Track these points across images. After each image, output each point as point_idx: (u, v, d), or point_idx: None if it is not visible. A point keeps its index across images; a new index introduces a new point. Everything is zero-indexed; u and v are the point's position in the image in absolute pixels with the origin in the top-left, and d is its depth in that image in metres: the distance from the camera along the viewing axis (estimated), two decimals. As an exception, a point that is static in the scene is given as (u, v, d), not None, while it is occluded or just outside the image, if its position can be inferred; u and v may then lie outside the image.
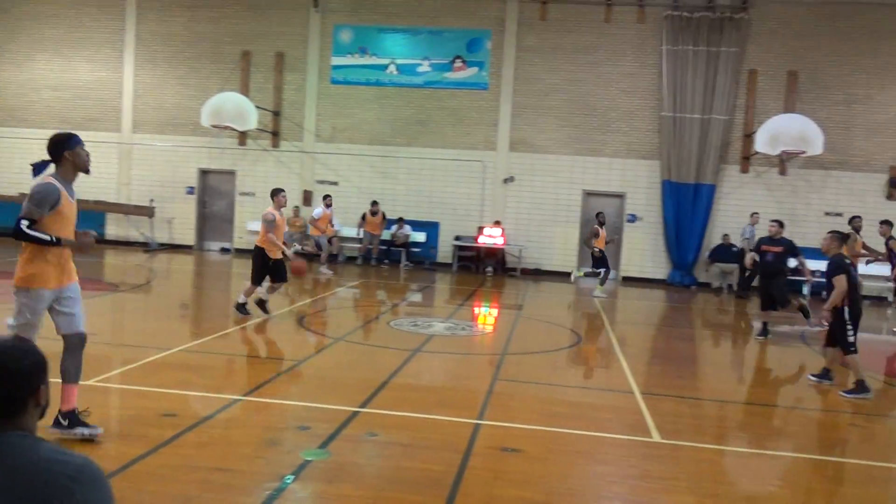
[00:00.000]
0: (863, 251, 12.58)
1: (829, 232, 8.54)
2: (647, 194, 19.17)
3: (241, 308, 10.25)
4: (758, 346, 10.99)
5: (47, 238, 4.72)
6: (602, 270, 15.49)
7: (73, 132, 5.00)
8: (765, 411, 7.55)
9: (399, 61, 20.05)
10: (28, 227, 4.65)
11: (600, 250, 15.50)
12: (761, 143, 17.42)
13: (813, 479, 5.43)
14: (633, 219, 19.32)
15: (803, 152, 17.20)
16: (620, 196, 19.43)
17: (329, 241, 17.68)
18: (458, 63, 19.81)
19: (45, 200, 4.69)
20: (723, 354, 11.18)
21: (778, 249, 11.10)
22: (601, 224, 15.70)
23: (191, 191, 21.06)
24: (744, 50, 18.50)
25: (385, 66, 20.10)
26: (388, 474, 4.87)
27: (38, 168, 4.99)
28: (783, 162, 18.03)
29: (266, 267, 10.32)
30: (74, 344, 5.01)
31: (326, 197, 17.71)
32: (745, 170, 18.73)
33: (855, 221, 12.34)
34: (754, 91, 18.58)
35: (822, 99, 18.36)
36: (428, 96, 19.94)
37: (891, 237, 12.49)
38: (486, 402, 6.68)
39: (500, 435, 5.75)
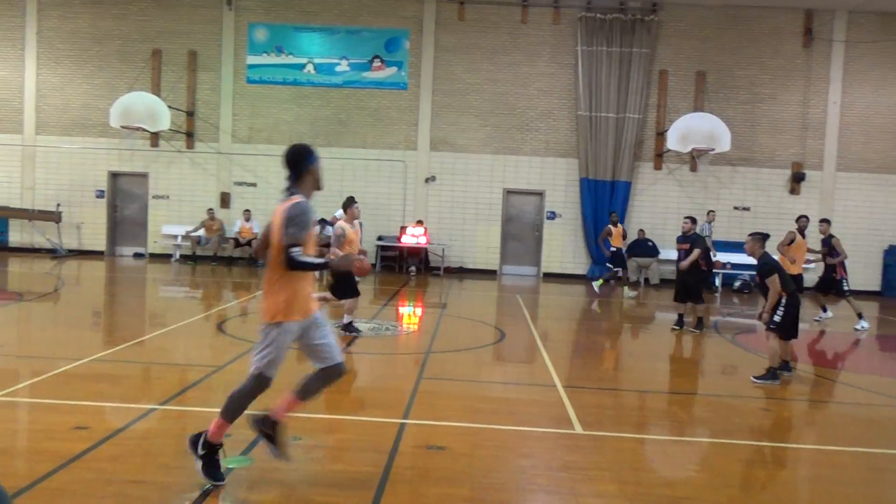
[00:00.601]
0: (809, 250, 12.75)
1: (751, 234, 8.60)
2: (566, 192, 19.55)
3: (350, 327, 9.74)
4: (674, 337, 11.35)
5: (322, 262, 4.40)
6: (619, 270, 16.18)
7: (309, 145, 4.58)
8: (683, 399, 7.80)
9: (317, 60, 19.81)
10: (299, 254, 4.25)
11: (617, 248, 16.32)
12: (673, 140, 18.02)
13: (728, 462, 5.63)
14: (552, 216, 19.67)
15: (712, 149, 17.89)
16: (540, 194, 19.74)
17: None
18: (377, 63, 19.72)
19: (307, 222, 4.32)
20: (642, 346, 11.49)
21: (686, 247, 11.49)
22: (614, 223, 16.41)
23: (100, 194, 20.26)
24: (654, 51, 19.09)
25: (302, 66, 19.83)
26: (313, 478, 4.79)
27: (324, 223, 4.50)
28: (694, 159, 18.73)
29: (348, 279, 9.55)
30: (335, 375, 4.61)
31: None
32: (658, 167, 19.34)
33: (801, 221, 12.50)
34: (665, 90, 19.19)
35: (729, 98, 19.13)
36: (347, 96, 19.78)
37: (830, 235, 12.99)
38: (412, 401, 6.66)
39: (425, 433, 5.75)
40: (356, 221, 9.54)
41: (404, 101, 19.69)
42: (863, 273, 19.10)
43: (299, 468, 4.92)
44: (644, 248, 18.65)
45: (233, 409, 4.49)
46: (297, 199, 4.40)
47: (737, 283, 18.50)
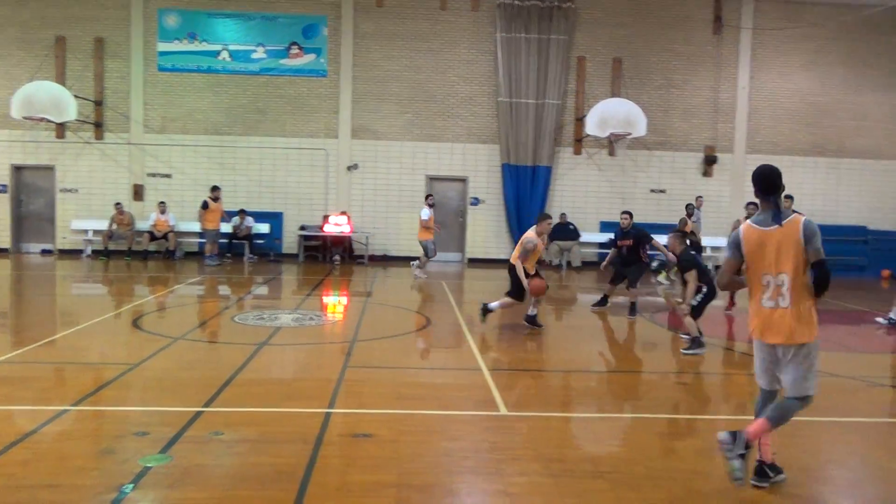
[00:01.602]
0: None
1: (672, 233, 9.54)
2: (489, 177, 19.70)
3: (532, 320, 10.13)
4: (596, 318, 11.60)
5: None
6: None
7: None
8: (605, 377, 7.98)
9: (232, 47, 19.30)
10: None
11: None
12: (591, 126, 18.38)
13: (648, 436, 5.80)
14: (475, 202, 19.80)
15: (629, 134, 18.34)
16: (463, 180, 19.83)
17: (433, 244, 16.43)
18: (295, 49, 19.36)
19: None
20: (565, 327, 11.70)
21: (628, 243, 11.56)
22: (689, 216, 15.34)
23: (3, 189, 19.26)
24: (572, 38, 19.38)
25: (217, 53, 19.29)
26: (236, 473, 4.69)
27: None
28: (612, 143, 19.14)
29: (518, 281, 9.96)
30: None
31: (429, 197, 16.90)
32: (577, 152, 19.69)
33: (749, 208, 12.81)
34: (583, 77, 19.53)
35: (644, 84, 19.61)
36: (265, 84, 19.36)
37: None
38: (337, 390, 6.60)
39: (351, 422, 5.70)
40: (544, 236, 10.19)
41: (324, 88, 19.41)
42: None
43: (220, 463, 4.81)
44: (566, 231, 18.98)
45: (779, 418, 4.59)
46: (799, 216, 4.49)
47: (654, 264, 18.98)
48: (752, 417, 4.82)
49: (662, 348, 9.61)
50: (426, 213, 16.14)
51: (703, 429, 6.14)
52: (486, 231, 19.88)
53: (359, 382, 6.96)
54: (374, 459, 4.89)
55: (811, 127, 20.03)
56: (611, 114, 18.32)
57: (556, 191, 19.70)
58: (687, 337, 9.05)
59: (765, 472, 4.63)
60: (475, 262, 19.61)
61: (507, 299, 10.24)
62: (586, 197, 19.68)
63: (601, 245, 19.54)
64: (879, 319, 11.51)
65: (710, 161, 19.71)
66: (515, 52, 19.16)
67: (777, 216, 4.46)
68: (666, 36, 19.63)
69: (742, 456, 4.38)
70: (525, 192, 19.22)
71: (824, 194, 20.05)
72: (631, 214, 11.92)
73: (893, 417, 6.81)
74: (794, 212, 4.74)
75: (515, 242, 19.36)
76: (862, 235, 19.50)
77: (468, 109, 19.62)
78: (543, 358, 8.93)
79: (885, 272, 16.25)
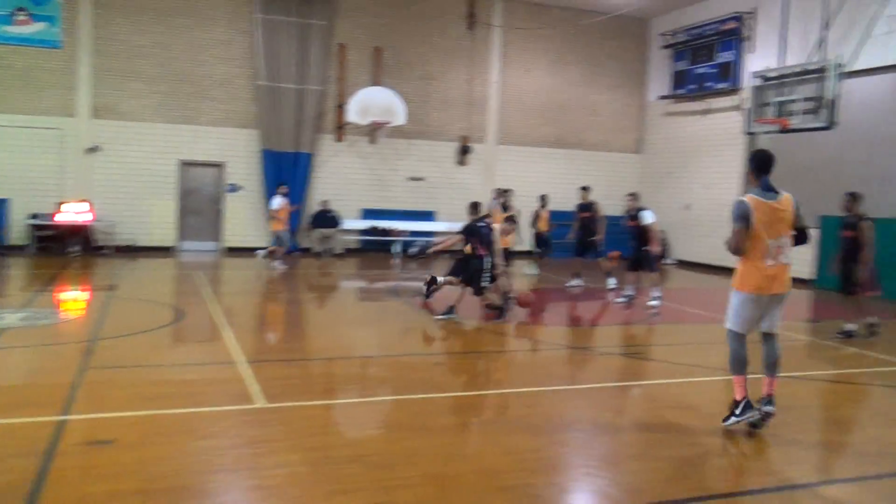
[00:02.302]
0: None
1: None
2: (247, 163, 19.01)
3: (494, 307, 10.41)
4: (360, 306, 11.68)
5: None
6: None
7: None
8: (366, 362, 8.05)
9: (-60, 8, 16.70)
10: None
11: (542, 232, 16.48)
12: (353, 113, 18.45)
13: (407, 416, 5.94)
14: (233, 189, 19.02)
15: (389, 123, 18.67)
16: (219, 166, 18.95)
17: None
18: (22, 16, 17.22)
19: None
20: (327, 314, 11.66)
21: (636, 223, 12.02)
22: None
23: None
24: (333, 24, 19.26)
25: (-79, 13, 16.59)
26: (-57, 497, 4.07)
27: None
28: (373, 131, 19.35)
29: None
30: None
31: (281, 185, 16.24)
32: (339, 139, 19.66)
33: (496, 193, 13.56)
34: (345, 64, 19.51)
35: (405, 74, 20.05)
36: (-16, 52, 17.02)
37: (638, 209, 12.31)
38: (73, 394, 5.99)
39: (89, 428, 5.21)
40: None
41: (58, 61, 17.47)
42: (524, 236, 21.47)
43: (-76, 488, 4.15)
44: (327, 219, 18.91)
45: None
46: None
47: (413, 249, 19.60)
48: (497, 392, 5.09)
49: (421, 331, 9.92)
50: (277, 201, 15.93)
51: (461, 405, 6.42)
52: (244, 219, 19.17)
53: (100, 384, 6.37)
54: (116, 467, 4.50)
55: (553, 121, 21.77)
56: (372, 102, 18.53)
57: (318, 178, 19.53)
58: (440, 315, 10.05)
59: (771, 401, 5.70)
60: (233, 251, 18.84)
61: (453, 278, 10.79)
62: (348, 184, 19.74)
63: (362, 232, 19.75)
64: (620, 299, 12.53)
65: (464, 151, 20.68)
66: (275, 35, 18.64)
67: (774, 190, 5.50)
68: (424, 28, 20.21)
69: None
70: (286, 179, 18.80)
71: (564, 182, 21.88)
72: (636, 196, 12.22)
73: (618, 382, 7.61)
74: (774, 189, 5.56)
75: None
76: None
77: (225, 92, 18.76)
78: (305, 346, 8.83)
79: (614, 254, 18.14)
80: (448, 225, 20.53)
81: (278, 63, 18.69)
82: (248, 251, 18.37)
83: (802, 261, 16.46)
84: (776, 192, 5.49)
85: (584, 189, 15.12)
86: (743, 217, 5.39)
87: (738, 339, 5.68)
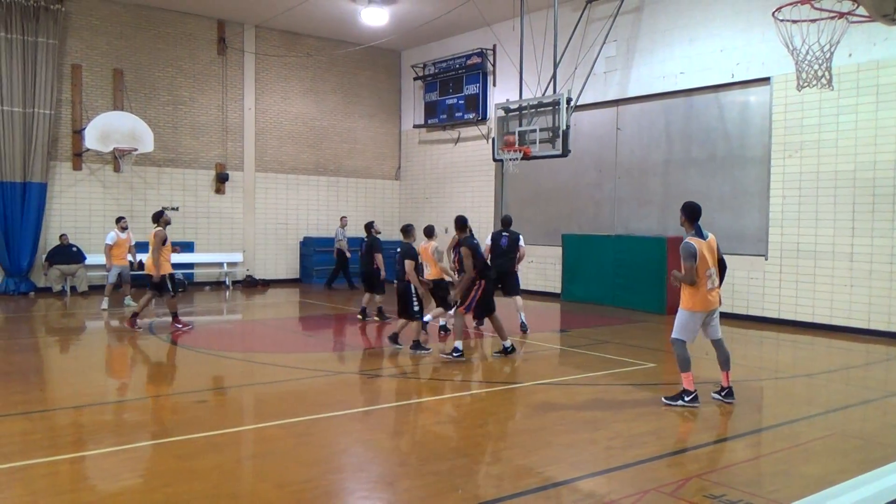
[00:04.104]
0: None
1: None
2: (-34, 196, 16.72)
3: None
4: (112, 347, 10.71)
5: None
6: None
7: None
8: (120, 407, 7.39)
9: None
10: None
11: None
12: (92, 139, 17.04)
13: (166, 460, 5.55)
14: (-51, 225, 16.62)
15: (135, 150, 17.49)
16: (-70, 199, 16.46)
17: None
18: None
19: None
20: (73, 359, 10.55)
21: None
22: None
23: None
24: (64, 43, 17.66)
25: None
26: None
27: None
28: (116, 159, 17.96)
29: None
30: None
31: (121, 219, 14.71)
32: (77, 167, 17.99)
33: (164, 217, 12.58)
34: (80, 86, 17.94)
35: (151, 99, 18.89)
36: None
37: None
38: None
39: None
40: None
41: None
42: (284, 263, 21.16)
43: None
44: (69, 254, 17.19)
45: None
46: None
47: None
48: (265, 424, 4.92)
49: (183, 368, 9.35)
50: (112, 236, 14.48)
51: (227, 443, 6.13)
52: (-35, 258, 16.82)
53: None
54: None
55: (313, 148, 21.75)
56: (114, 127, 17.24)
57: (54, 210, 17.69)
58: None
59: (731, 393, 7.46)
60: (-48, 296, 16.42)
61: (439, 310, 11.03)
62: (90, 216, 18.10)
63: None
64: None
65: (221, 179, 19.93)
66: (-5, 53, 16.67)
67: (703, 233, 7.26)
68: (171, 52, 19.23)
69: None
70: (15, 212, 16.80)
71: (327, 209, 21.95)
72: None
73: (389, 403, 7.74)
74: (698, 232, 7.30)
75: (6, 270, 16.90)
76: (360, 246, 21.83)
77: (-67, 114, 16.39)
78: (47, 396, 7.91)
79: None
80: (209, 256, 19.68)
81: (0, 84, 16.72)
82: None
83: (556, 277, 17.97)
84: (705, 234, 7.26)
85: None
86: (693, 256, 7.05)
87: (683, 345, 7.27)
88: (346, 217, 20.01)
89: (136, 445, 5.99)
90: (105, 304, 14.52)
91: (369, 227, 13.78)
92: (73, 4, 17.76)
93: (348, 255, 19.05)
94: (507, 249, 12.19)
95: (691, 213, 7.28)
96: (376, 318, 13.34)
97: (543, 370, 9.57)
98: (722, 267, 7.41)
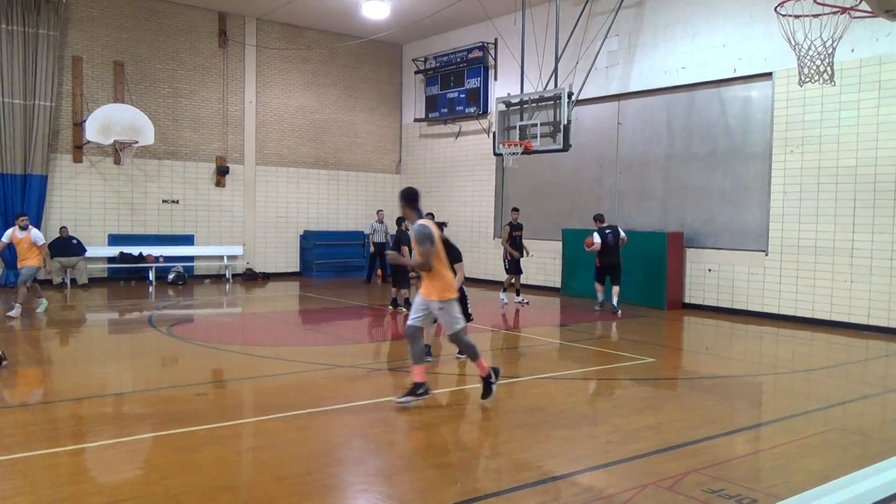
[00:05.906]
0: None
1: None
2: (-34, 187, 16.72)
3: None
4: (111, 339, 10.73)
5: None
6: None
7: None
8: (121, 400, 7.41)
9: None
10: None
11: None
12: (92, 132, 17.02)
13: (166, 453, 5.55)
14: (-50, 216, 16.62)
15: (136, 142, 17.47)
16: (-70, 190, 16.46)
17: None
18: None
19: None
20: (72, 351, 10.56)
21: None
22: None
23: None
24: (65, 35, 17.64)
25: None
26: None
27: None
28: (117, 151, 17.94)
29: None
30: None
31: (22, 216, 12.83)
32: (78, 159, 18.00)
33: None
34: (80, 78, 17.93)
35: (151, 91, 18.87)
36: None
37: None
38: None
39: None
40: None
41: None
42: (284, 256, 21.17)
43: None
44: (69, 246, 17.20)
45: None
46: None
47: (171, 276, 18.53)
48: (266, 417, 4.94)
49: (183, 361, 9.36)
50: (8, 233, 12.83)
51: (227, 435, 6.13)
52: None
53: None
54: None
55: (313, 142, 21.73)
56: (114, 120, 17.22)
57: (55, 202, 17.70)
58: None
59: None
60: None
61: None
62: (91, 209, 18.12)
63: (110, 259, 18.27)
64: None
65: (222, 172, 19.92)
66: (-4, 44, 16.65)
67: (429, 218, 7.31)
68: (172, 44, 19.20)
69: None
70: (16, 204, 16.81)
71: (327, 203, 21.95)
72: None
73: (387, 396, 7.75)
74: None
75: (6, 262, 16.84)
76: (360, 239, 21.88)
77: (-67, 106, 16.38)
78: (47, 389, 7.92)
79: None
80: (209, 249, 19.69)
81: (1, 76, 16.69)
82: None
83: (556, 271, 17.97)
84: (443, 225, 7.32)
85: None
86: (428, 239, 6.70)
87: (463, 333, 7.02)
88: (382, 211, 20.03)
89: (135, 438, 6.00)
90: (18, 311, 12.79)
91: (400, 221, 13.72)
92: (73, -4, 17.73)
93: (372, 249, 19.50)
94: (614, 245, 13.76)
95: (407, 197, 7.07)
96: (402, 310, 13.49)
97: (543, 365, 9.58)
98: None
